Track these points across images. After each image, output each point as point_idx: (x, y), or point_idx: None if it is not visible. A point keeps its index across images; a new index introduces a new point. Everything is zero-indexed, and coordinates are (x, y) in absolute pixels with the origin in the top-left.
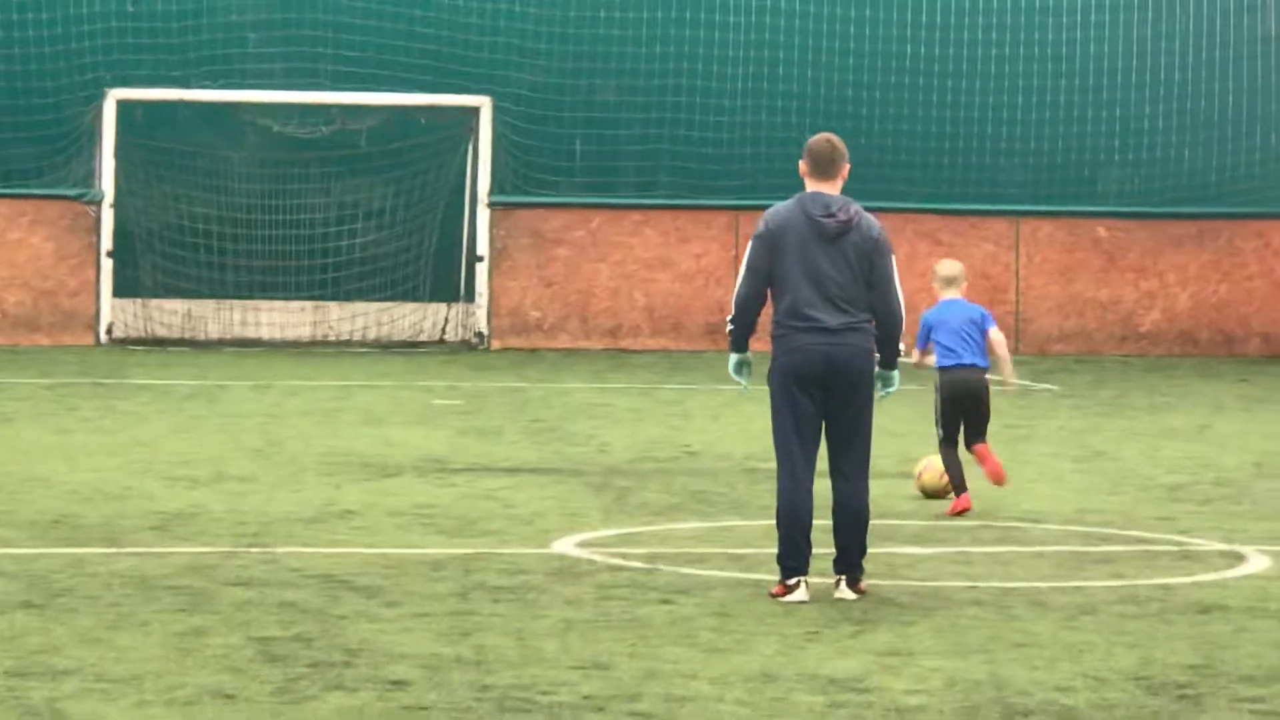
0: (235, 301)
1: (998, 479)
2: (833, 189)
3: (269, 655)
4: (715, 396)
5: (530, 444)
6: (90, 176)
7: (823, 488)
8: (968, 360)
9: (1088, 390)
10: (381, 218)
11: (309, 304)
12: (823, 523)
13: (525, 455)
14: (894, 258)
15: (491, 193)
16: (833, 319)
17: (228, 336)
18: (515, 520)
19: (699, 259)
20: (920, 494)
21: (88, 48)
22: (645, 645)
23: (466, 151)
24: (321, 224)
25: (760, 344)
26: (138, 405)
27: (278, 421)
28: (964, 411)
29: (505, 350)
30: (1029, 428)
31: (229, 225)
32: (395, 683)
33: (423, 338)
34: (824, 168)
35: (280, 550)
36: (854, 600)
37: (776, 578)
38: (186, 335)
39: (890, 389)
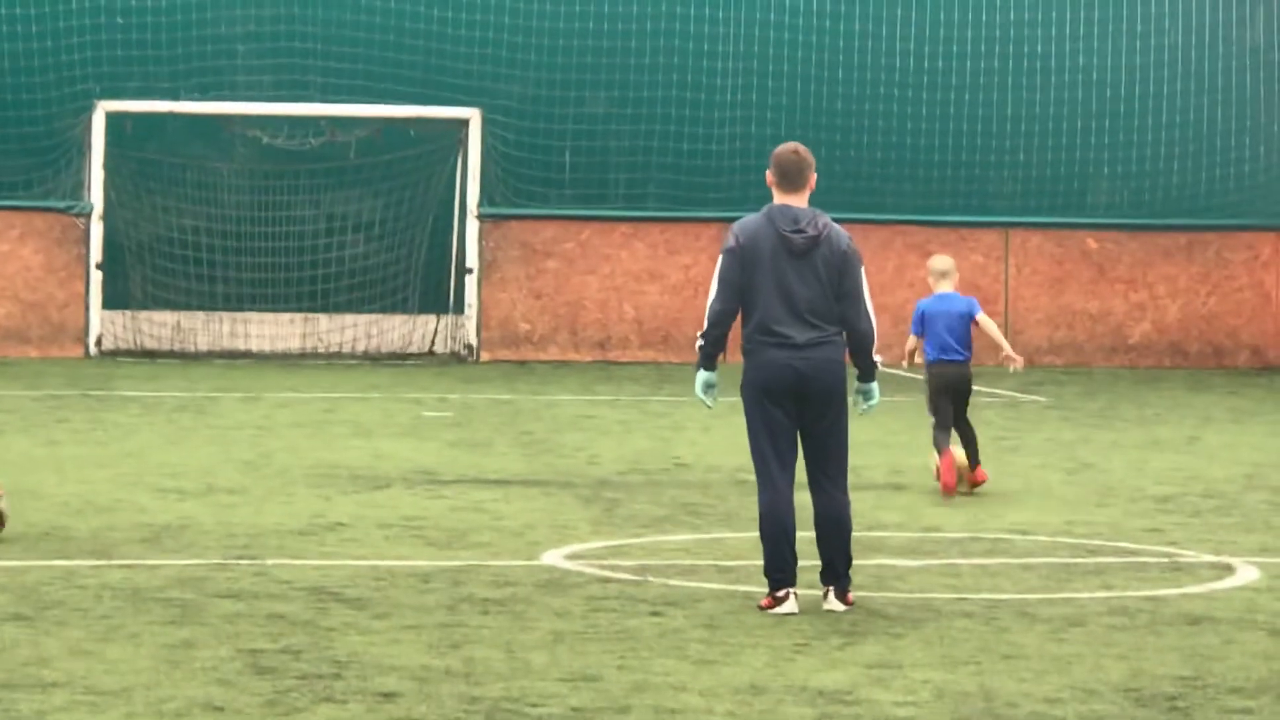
0: (225, 313)
1: (959, 485)
2: (800, 200)
3: (258, 667)
4: (704, 408)
5: (520, 456)
6: (79, 188)
7: (806, 500)
8: (952, 356)
9: (1077, 402)
10: (371, 229)
11: (298, 316)
12: (808, 534)
13: (515, 467)
14: (864, 269)
15: (481, 205)
16: (801, 334)
17: (217, 348)
18: (504, 532)
19: (688, 271)
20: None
21: (77, 60)
22: (634, 657)
23: (456, 163)
24: (311, 236)
25: (733, 357)
26: (127, 417)
27: (267, 433)
28: (951, 399)
29: (495, 362)
30: (1018, 439)
31: (218, 237)
32: (385, 695)
33: (412, 349)
34: (791, 179)
35: (270, 562)
36: (843, 612)
37: (765, 590)
38: (176, 347)
39: (872, 402)
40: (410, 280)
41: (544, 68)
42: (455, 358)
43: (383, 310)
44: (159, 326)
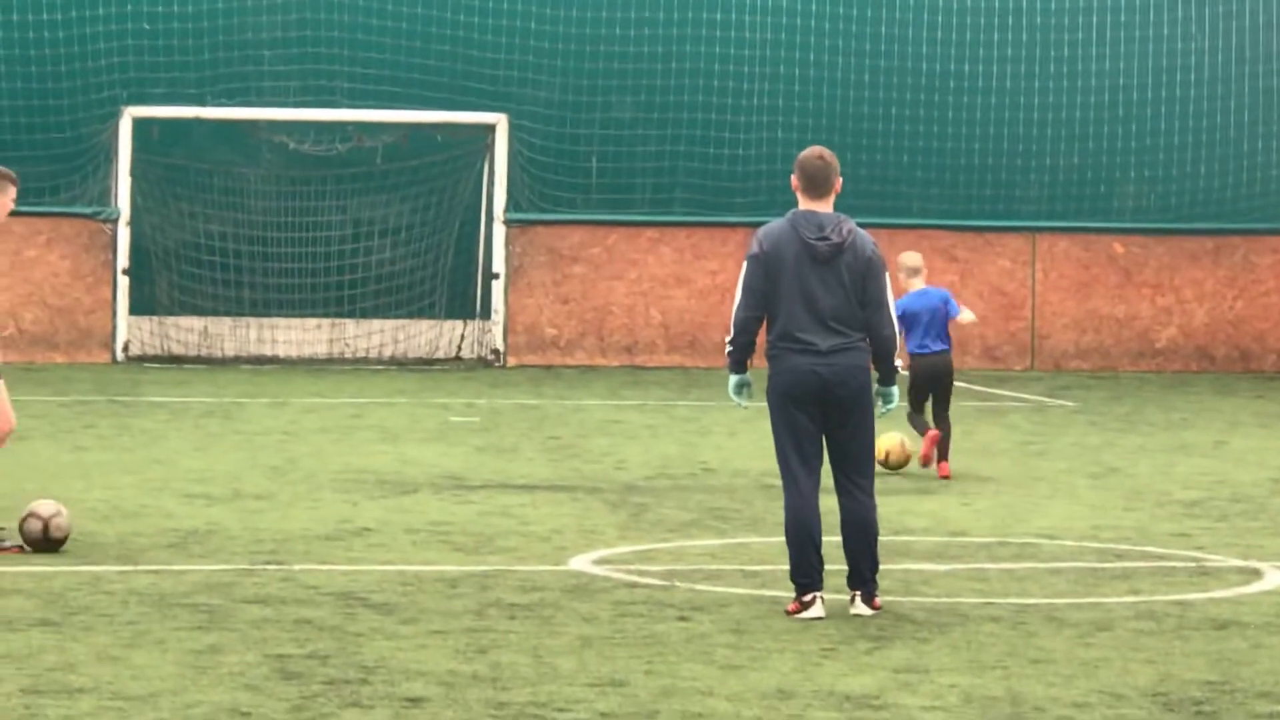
0: (251, 319)
1: (926, 463)
2: (825, 205)
3: (285, 673)
4: (731, 413)
5: (546, 461)
6: (106, 194)
7: (832, 504)
8: (933, 348)
9: (1104, 406)
10: (398, 235)
11: (325, 321)
12: (835, 539)
13: (542, 472)
14: (888, 275)
15: (507, 210)
16: (824, 341)
17: (244, 354)
18: (532, 537)
19: (714, 276)
20: (888, 469)
21: (104, 66)
22: (662, 662)
23: (483, 169)
24: (338, 241)
25: (760, 362)
26: (154, 423)
27: (294, 439)
28: (931, 390)
29: (521, 367)
30: (1045, 444)
31: (245, 243)
32: (412, 700)
33: (439, 355)
34: (817, 184)
35: (297, 568)
36: (870, 616)
37: (792, 594)
38: (203, 353)
39: (890, 405)
40: (437, 285)
41: (570, 73)
42: (482, 363)
43: (409, 315)
44: (186, 332)
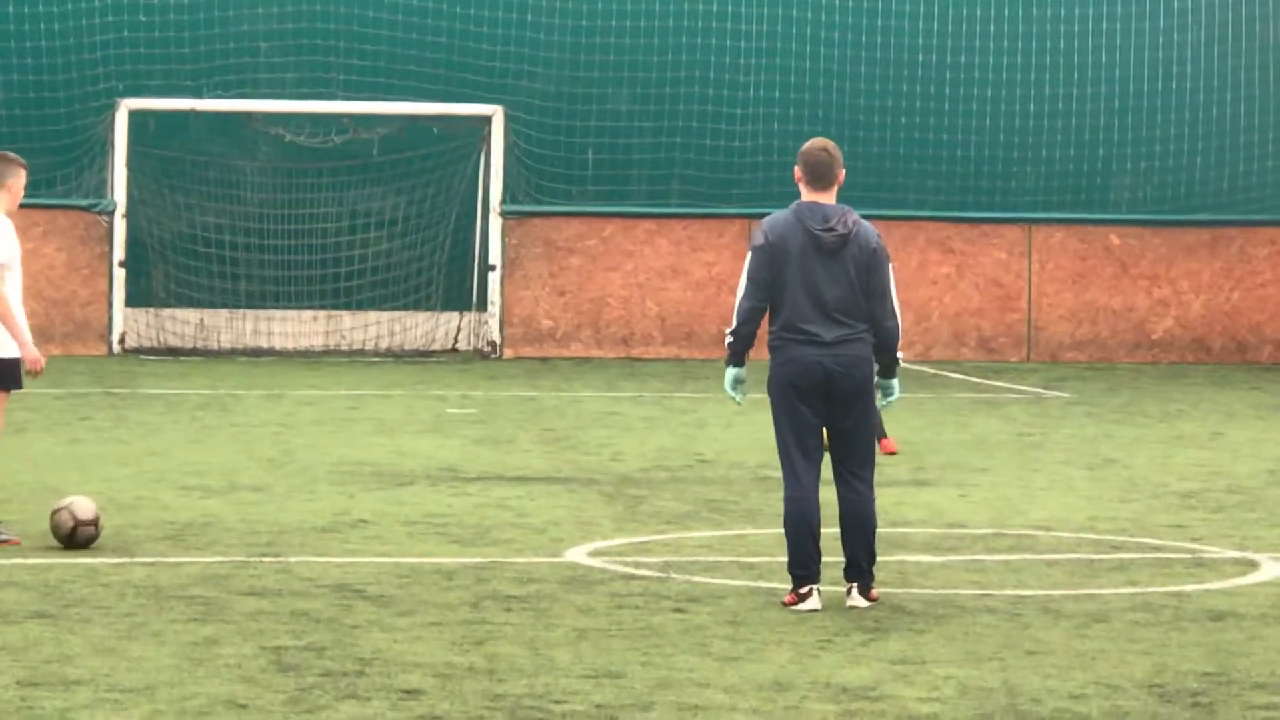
0: (248, 311)
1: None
2: (828, 197)
3: (282, 665)
4: (728, 405)
5: (543, 453)
6: (102, 187)
7: (831, 496)
8: None
9: (1100, 398)
10: (394, 227)
11: (321, 313)
12: (832, 531)
13: (538, 464)
14: (892, 266)
15: (504, 202)
16: (829, 332)
17: (240, 346)
18: (528, 529)
19: (711, 267)
20: None
21: (100, 58)
22: (658, 654)
23: (479, 161)
24: (334, 233)
25: (760, 353)
26: (150, 415)
27: (290, 431)
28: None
29: (518, 359)
30: (1041, 435)
31: (241, 235)
32: (408, 692)
33: (435, 347)
34: (821, 176)
35: (293, 560)
36: (866, 608)
37: (789, 586)
38: (199, 345)
39: (891, 398)
40: (433, 277)
41: (567, 65)
42: (478, 355)
43: (406, 307)
44: (182, 324)
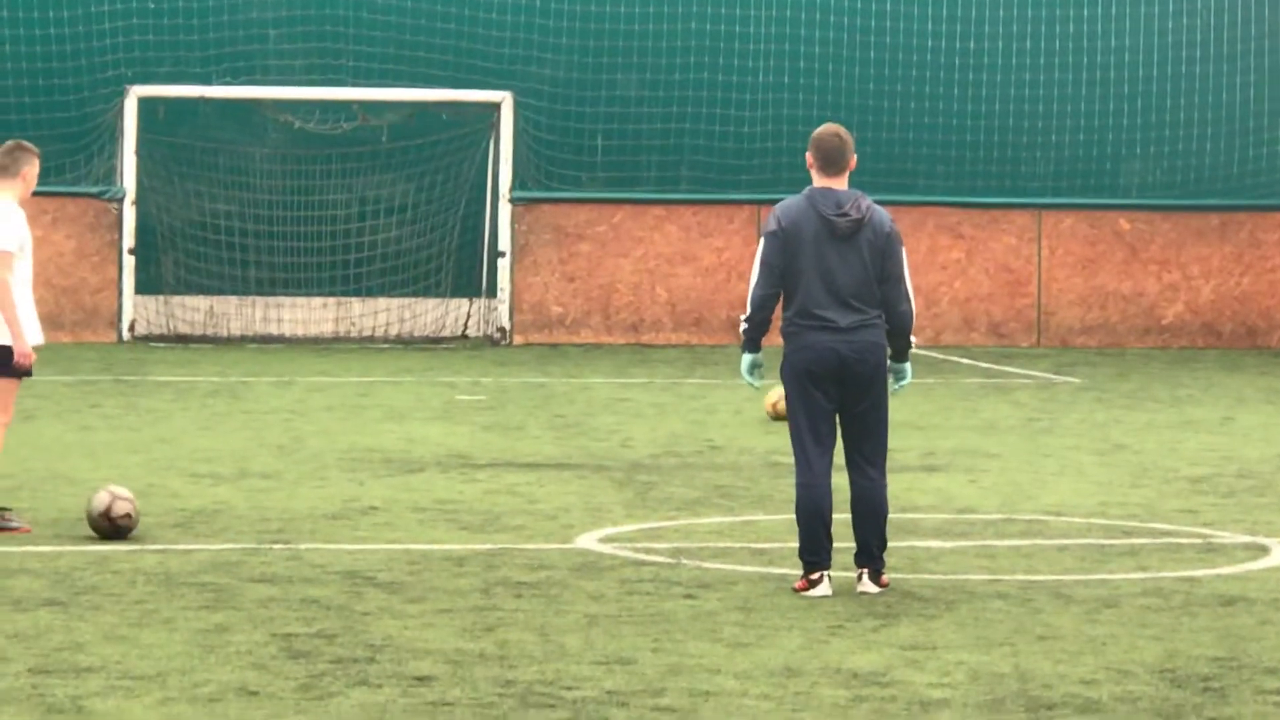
0: (257, 298)
1: None
2: (841, 182)
3: (292, 652)
4: (738, 390)
5: (553, 439)
6: (112, 174)
7: (843, 482)
8: None
9: (1110, 383)
10: (403, 214)
11: (331, 300)
12: (844, 516)
13: (548, 450)
14: (904, 250)
15: (513, 188)
16: (843, 318)
17: (250, 333)
18: (538, 515)
19: (721, 253)
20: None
21: (109, 45)
22: (669, 640)
23: (488, 147)
24: (343, 220)
25: (774, 339)
26: (160, 402)
27: (300, 418)
28: None
29: (527, 345)
30: (1051, 420)
31: (251, 222)
32: (419, 678)
33: (445, 333)
34: (833, 161)
35: (303, 546)
36: (877, 594)
37: (799, 572)
38: (209, 332)
39: (903, 382)
40: (443, 264)
41: (575, 50)
42: (488, 341)
43: (415, 294)
44: (192, 311)
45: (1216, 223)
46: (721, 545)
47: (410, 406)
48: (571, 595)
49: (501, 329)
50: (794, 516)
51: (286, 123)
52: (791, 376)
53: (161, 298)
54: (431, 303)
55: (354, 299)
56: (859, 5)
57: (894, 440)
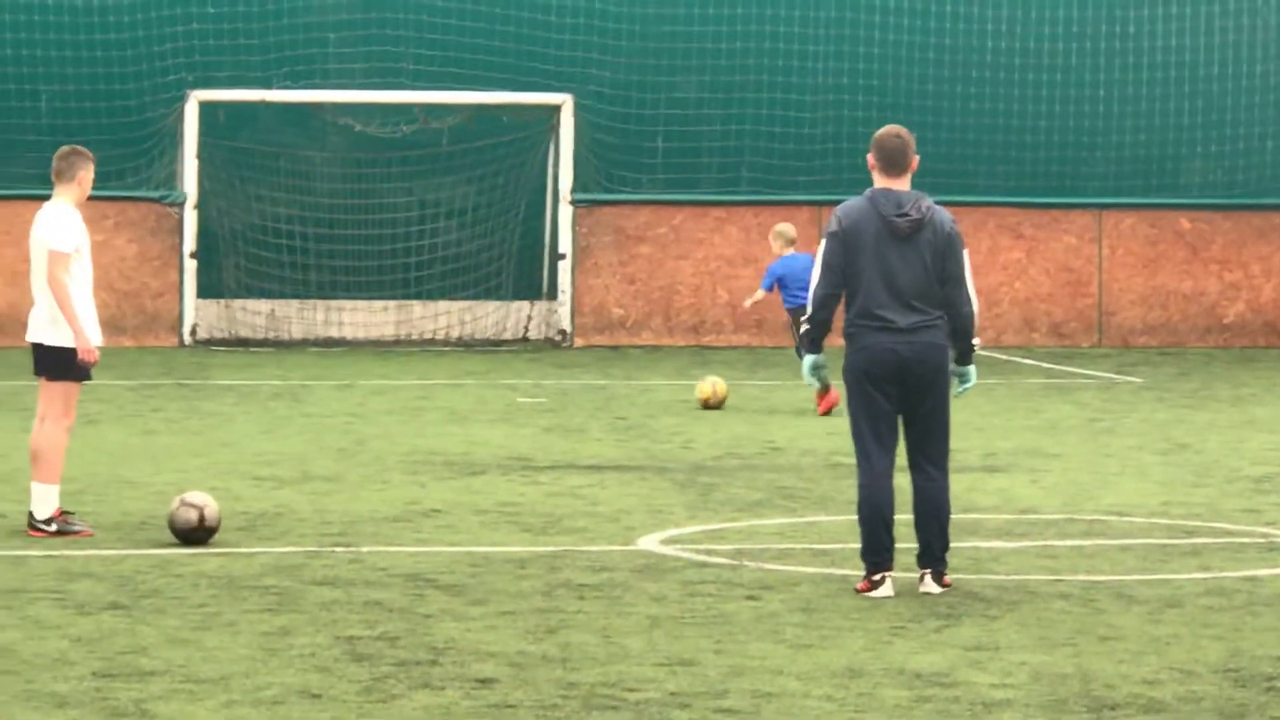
0: (318, 301)
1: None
2: (902, 184)
3: (355, 654)
4: (799, 392)
5: (614, 441)
6: (173, 178)
7: (905, 482)
8: (803, 299)
9: (1172, 383)
10: (464, 216)
11: (392, 303)
12: (906, 517)
13: (609, 452)
14: (966, 251)
15: (574, 190)
16: (904, 319)
17: (311, 336)
18: (600, 518)
19: None
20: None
21: (169, 50)
22: (731, 641)
23: (548, 149)
24: (404, 223)
25: (836, 340)
26: (222, 406)
27: (362, 421)
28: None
29: (588, 348)
30: (1113, 421)
31: (311, 225)
32: (482, 681)
33: (506, 336)
34: (895, 161)
35: (365, 549)
36: (939, 595)
37: (861, 573)
38: (270, 336)
39: (968, 384)
40: (504, 267)
41: (636, 53)
42: (549, 344)
43: (476, 297)
44: (253, 315)
45: (1278, 221)
46: (783, 546)
47: (471, 409)
48: (633, 597)
49: (562, 331)
50: (856, 517)
51: (347, 126)
52: (853, 378)
53: (223, 302)
54: (492, 305)
55: (415, 302)
56: (919, 6)
57: (955, 441)
